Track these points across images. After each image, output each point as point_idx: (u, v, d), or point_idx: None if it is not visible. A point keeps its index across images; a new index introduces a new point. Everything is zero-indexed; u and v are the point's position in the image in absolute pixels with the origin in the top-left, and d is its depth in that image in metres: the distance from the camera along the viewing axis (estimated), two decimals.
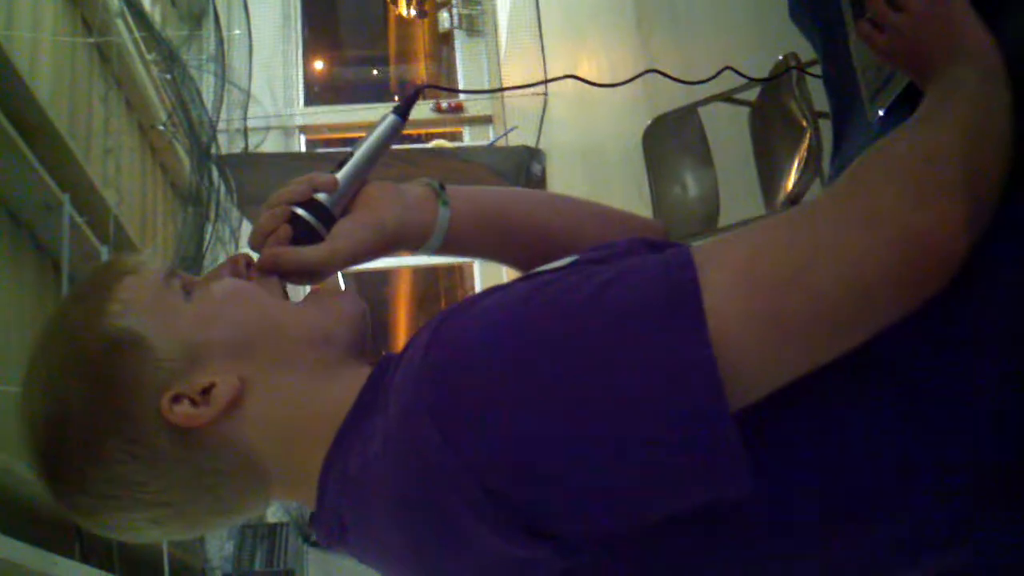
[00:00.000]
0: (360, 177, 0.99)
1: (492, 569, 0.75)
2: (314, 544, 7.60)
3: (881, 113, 1.09)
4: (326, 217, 0.95)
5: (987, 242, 0.77)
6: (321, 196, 0.96)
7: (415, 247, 0.99)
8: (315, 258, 0.93)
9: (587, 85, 1.43)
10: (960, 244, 0.74)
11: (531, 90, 8.22)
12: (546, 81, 1.21)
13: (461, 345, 0.74)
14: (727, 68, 1.70)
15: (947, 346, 0.81)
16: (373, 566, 0.87)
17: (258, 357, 0.86)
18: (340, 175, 0.98)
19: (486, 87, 10.69)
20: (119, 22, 6.20)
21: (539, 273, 0.82)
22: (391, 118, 1.03)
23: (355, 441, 0.81)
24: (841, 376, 0.77)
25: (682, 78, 1.57)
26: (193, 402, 0.83)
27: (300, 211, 0.95)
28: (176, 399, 0.83)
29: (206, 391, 0.84)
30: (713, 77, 1.68)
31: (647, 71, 1.51)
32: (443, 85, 12.28)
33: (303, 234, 0.94)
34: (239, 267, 0.93)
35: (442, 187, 0.99)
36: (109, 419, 0.83)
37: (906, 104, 1.03)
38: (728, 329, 0.70)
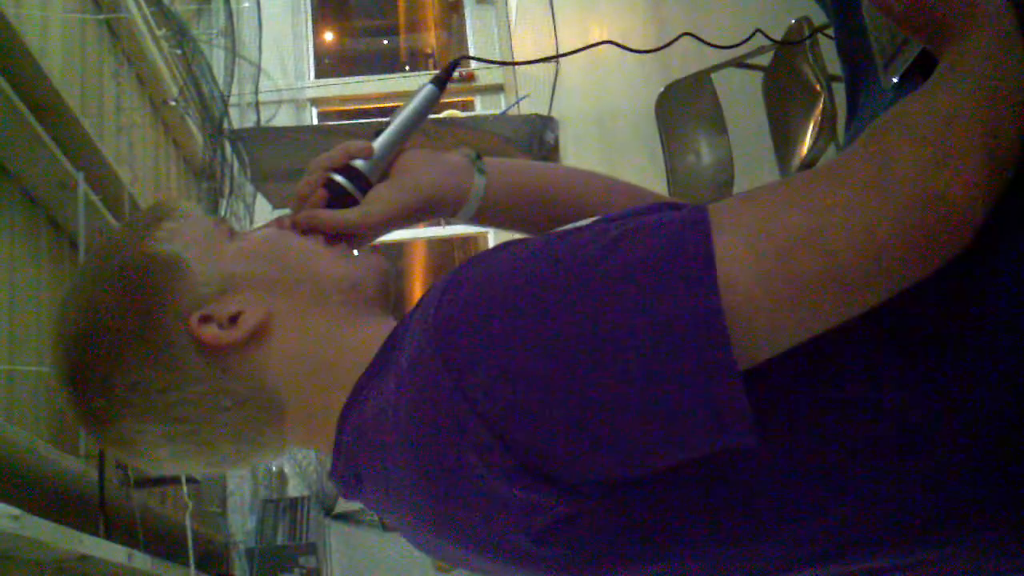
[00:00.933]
0: (397, 145, 1.01)
1: (498, 514, 0.76)
2: (335, 517, 7.66)
3: (895, 80, 1.08)
4: (362, 183, 0.98)
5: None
6: (358, 163, 0.98)
7: (450, 214, 1.02)
8: (350, 220, 0.96)
9: (597, 50, 1.42)
10: (978, 208, 0.73)
11: (541, 57, 8.18)
12: (588, 47, 1.21)
13: (473, 293, 0.75)
14: (757, 31, 1.68)
15: (957, 317, 0.81)
16: (387, 515, 0.89)
17: (289, 294, 0.90)
18: (376, 143, 1.00)
19: (496, 55, 10.63)
20: None
21: (557, 231, 0.83)
22: (429, 88, 1.04)
23: (373, 390, 0.83)
24: (850, 345, 0.78)
25: (694, 43, 1.55)
26: (220, 325, 0.87)
27: (336, 176, 0.98)
28: (205, 319, 0.87)
29: (234, 318, 0.88)
30: (745, 41, 1.67)
31: (682, 35, 1.50)
32: (454, 53, 12.21)
33: (339, 199, 0.97)
34: (282, 224, 0.98)
35: (479, 156, 1.01)
36: (138, 326, 0.87)
37: (920, 71, 1.02)
38: (739, 286, 0.70)
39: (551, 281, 0.73)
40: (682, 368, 0.70)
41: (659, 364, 0.70)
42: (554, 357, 0.71)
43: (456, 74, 1.09)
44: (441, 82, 1.05)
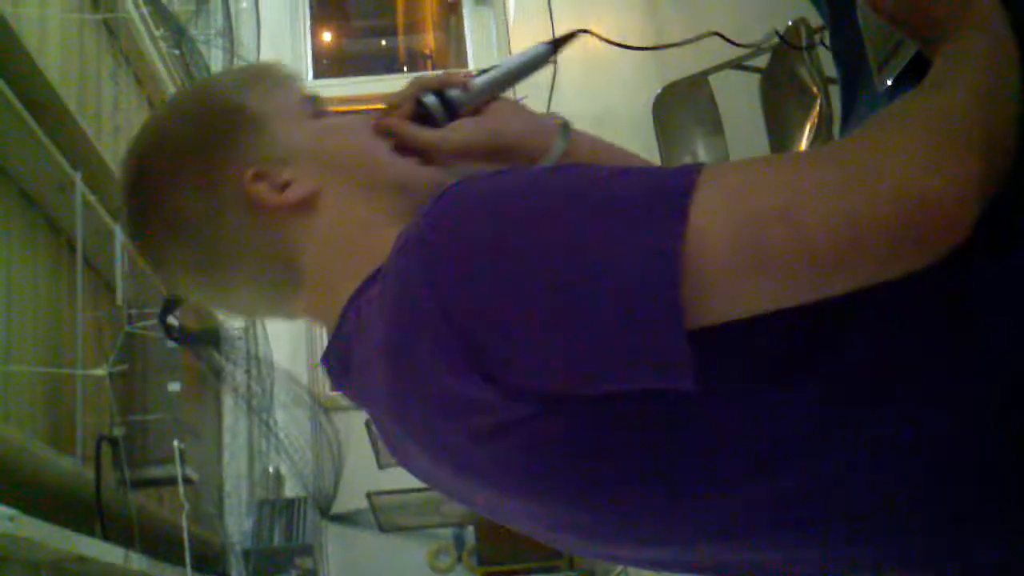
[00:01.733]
0: (494, 89, 1.05)
1: (442, 408, 0.80)
2: (332, 518, 7.66)
3: (889, 83, 1.08)
4: (451, 109, 1.02)
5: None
6: (453, 91, 1.02)
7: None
8: (426, 138, 1.01)
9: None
10: (970, 208, 0.74)
11: None
12: (694, 39, 1.21)
13: (461, 199, 0.80)
14: (775, 33, 1.69)
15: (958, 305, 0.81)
16: (364, 407, 0.94)
17: (343, 177, 0.96)
18: (476, 80, 1.04)
19: (495, 57, 10.63)
20: None
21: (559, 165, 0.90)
22: (543, 47, 1.08)
23: (378, 282, 0.89)
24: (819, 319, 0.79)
25: (692, 45, 1.56)
26: (272, 186, 0.95)
27: (428, 96, 1.02)
28: (260, 176, 0.94)
29: (286, 185, 0.95)
30: (765, 41, 1.67)
31: (708, 34, 1.51)
32: (453, 54, 12.20)
33: (425, 118, 1.01)
34: (368, 120, 1.03)
35: (568, 124, 1.05)
36: (198, 161, 0.95)
37: (914, 74, 1.02)
38: (707, 241, 0.73)
39: (533, 199, 0.78)
40: (632, 301, 0.73)
41: (612, 292, 0.73)
42: (520, 264, 0.75)
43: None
44: (556, 45, 1.07)
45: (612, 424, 0.78)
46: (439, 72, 1.07)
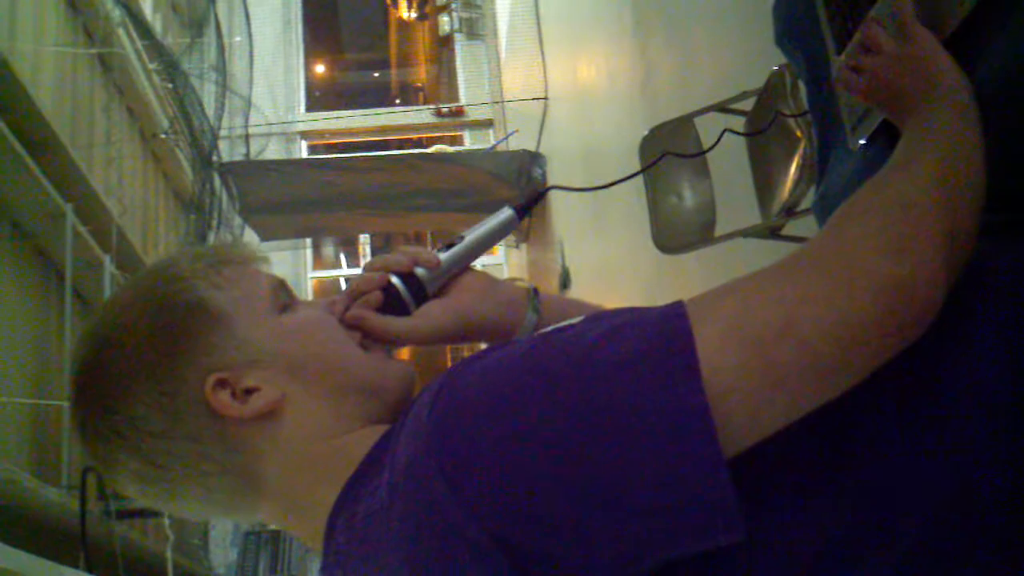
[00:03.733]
0: (463, 263, 1.01)
1: None
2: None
3: (862, 142, 1.11)
4: (419, 293, 0.98)
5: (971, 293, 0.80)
6: (420, 271, 0.98)
7: (491, 342, 1.00)
8: (396, 330, 0.96)
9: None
10: (939, 290, 0.77)
11: (531, 95, 8.24)
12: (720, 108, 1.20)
13: (465, 397, 0.76)
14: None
15: (932, 397, 0.82)
16: None
17: (309, 383, 0.90)
18: (444, 256, 1.00)
19: (486, 90, 10.69)
20: (121, 31, 6.22)
21: (542, 332, 0.85)
22: (508, 212, 1.04)
23: (363, 492, 0.84)
24: (829, 428, 0.79)
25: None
26: (234, 395, 0.87)
27: (396, 280, 0.98)
28: (221, 384, 0.87)
29: (249, 391, 0.87)
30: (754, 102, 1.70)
31: (664, 155, 1.53)
32: (445, 88, 12.27)
33: (393, 304, 0.97)
34: (334, 307, 0.97)
35: (536, 293, 1.02)
36: (157, 365, 0.87)
37: (886, 132, 1.06)
38: (721, 380, 0.73)
39: (539, 386, 0.74)
40: (672, 465, 0.71)
41: (649, 464, 0.71)
42: (547, 458, 0.72)
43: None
44: (522, 210, 1.05)
45: None
46: (405, 251, 1.02)
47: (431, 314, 0.98)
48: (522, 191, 7.59)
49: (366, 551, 0.83)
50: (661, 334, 0.75)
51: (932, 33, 0.94)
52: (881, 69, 0.97)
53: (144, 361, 0.88)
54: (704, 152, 2.14)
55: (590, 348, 0.75)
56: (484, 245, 1.03)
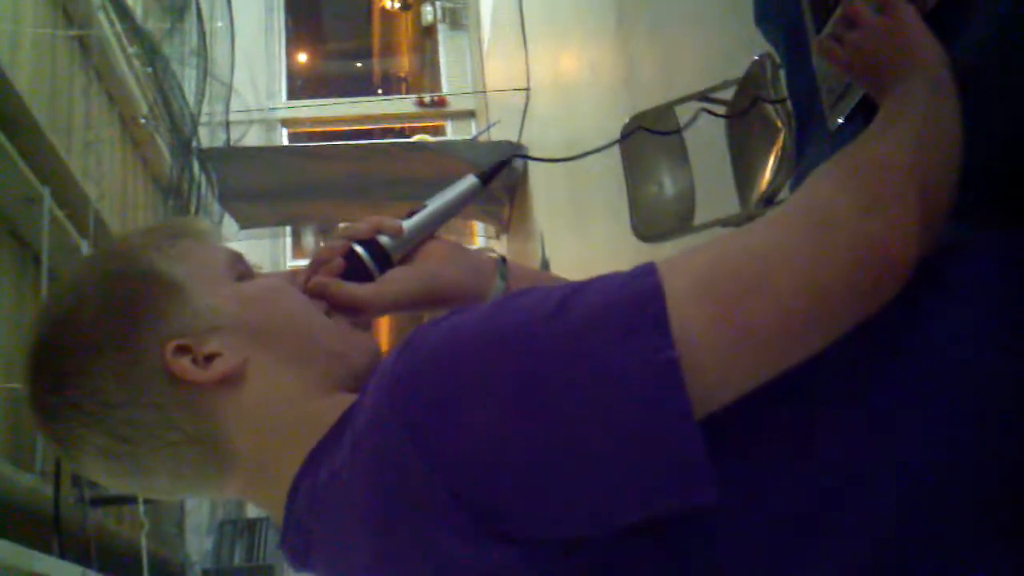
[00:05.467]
0: (427, 230, 1.00)
1: None
2: None
3: (841, 121, 1.11)
4: (383, 260, 0.97)
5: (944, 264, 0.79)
6: (384, 239, 0.97)
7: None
8: (360, 296, 0.95)
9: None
10: (911, 250, 0.76)
11: (514, 85, 8.24)
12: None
13: (428, 354, 0.75)
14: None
15: (909, 358, 0.81)
16: None
17: (271, 347, 0.89)
18: (407, 223, 0.99)
19: (469, 81, 10.68)
20: (101, 15, 6.18)
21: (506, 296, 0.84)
22: (472, 180, 1.03)
23: (326, 459, 0.82)
24: (806, 392, 0.78)
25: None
26: (195, 361, 0.86)
27: (358, 248, 0.97)
28: (181, 350, 0.86)
29: (210, 357, 0.86)
30: (751, 104, 1.70)
31: (637, 128, 1.53)
32: (428, 78, 12.24)
33: (356, 271, 0.96)
34: (296, 277, 0.96)
35: (504, 261, 1.01)
36: (114, 335, 0.86)
37: (864, 112, 1.06)
38: (691, 333, 0.71)
39: (504, 341, 0.73)
40: (641, 423, 0.70)
41: (617, 419, 0.70)
42: (511, 412, 0.71)
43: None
44: (486, 178, 1.04)
45: (642, 552, 0.75)
46: (368, 220, 1.00)
47: (395, 280, 0.97)
48: (503, 180, 7.58)
49: (325, 514, 0.81)
50: (630, 288, 0.74)
51: (913, 7, 0.94)
52: (863, 42, 0.96)
53: (101, 333, 0.86)
54: (680, 130, 2.15)
55: (557, 304, 0.74)
56: (448, 213, 1.02)
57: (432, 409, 0.72)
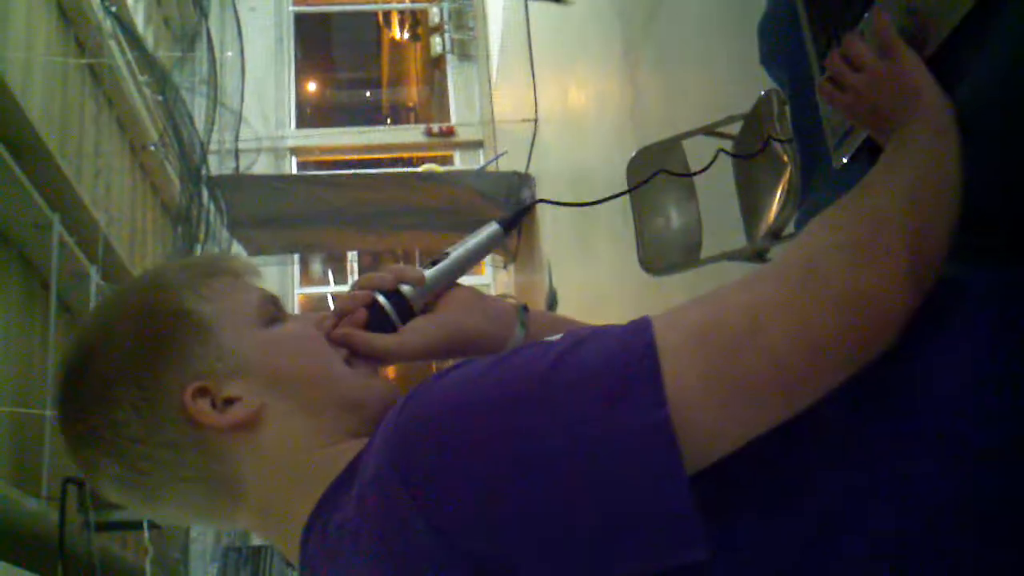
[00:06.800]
0: (449, 278, 1.01)
1: None
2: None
3: (845, 160, 1.12)
4: (405, 310, 0.98)
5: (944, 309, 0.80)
6: (405, 289, 0.98)
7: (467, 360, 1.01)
8: (383, 347, 0.96)
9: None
10: (904, 303, 0.77)
11: (521, 116, 8.27)
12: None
13: (428, 409, 0.76)
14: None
15: (901, 415, 0.82)
16: None
17: (291, 397, 0.90)
18: (429, 273, 0.99)
19: (477, 111, 10.73)
20: (112, 43, 6.23)
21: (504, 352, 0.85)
22: (494, 227, 1.04)
23: (337, 505, 0.84)
24: (793, 446, 0.79)
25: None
26: (213, 404, 0.88)
27: (381, 298, 0.97)
28: (201, 392, 0.88)
29: (229, 401, 0.88)
30: (764, 146, 1.72)
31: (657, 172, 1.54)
32: (436, 108, 12.30)
33: (379, 321, 0.97)
34: (322, 323, 0.97)
35: (525, 309, 1.02)
36: (139, 371, 0.88)
37: (869, 151, 1.07)
38: (685, 390, 0.72)
39: (503, 400, 0.74)
40: (632, 480, 0.71)
41: (609, 480, 0.71)
42: (508, 471, 0.72)
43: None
44: (508, 224, 1.04)
45: None
46: (390, 269, 1.00)
47: (417, 330, 0.98)
48: (511, 211, 7.58)
49: (336, 564, 0.83)
50: (624, 345, 0.75)
51: (915, 52, 0.96)
52: (864, 86, 0.98)
53: (126, 367, 0.88)
54: (699, 172, 2.15)
55: (554, 361, 0.75)
56: (470, 261, 1.02)
57: (431, 468, 0.73)
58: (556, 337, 0.81)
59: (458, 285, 1.02)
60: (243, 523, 0.93)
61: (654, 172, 1.37)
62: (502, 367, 0.78)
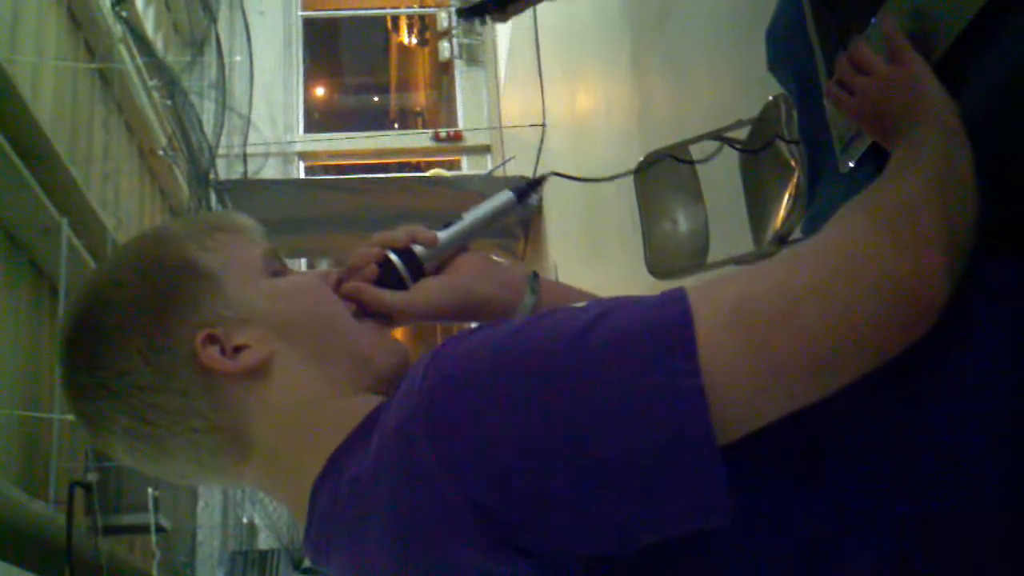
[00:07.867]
0: (461, 242, 1.01)
1: None
2: (304, 571, 7.60)
3: (852, 165, 1.12)
4: (416, 269, 0.98)
5: (967, 304, 0.80)
6: (418, 248, 0.98)
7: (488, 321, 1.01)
8: (391, 303, 0.97)
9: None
10: (941, 290, 0.77)
11: (529, 121, 8.28)
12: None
13: (460, 367, 0.76)
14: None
15: (926, 401, 0.83)
16: None
17: (300, 344, 0.90)
18: (442, 234, 1.00)
19: (485, 116, 10.74)
20: (121, 48, 6.25)
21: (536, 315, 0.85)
22: (508, 195, 1.04)
23: (350, 461, 0.83)
24: (824, 423, 0.79)
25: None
26: (223, 351, 0.87)
27: (393, 256, 0.98)
28: (211, 339, 0.88)
29: (239, 349, 0.88)
30: (767, 144, 1.72)
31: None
32: (444, 113, 12.31)
33: (390, 278, 0.97)
34: (329, 278, 0.98)
35: (536, 276, 1.02)
36: (147, 321, 0.88)
37: (876, 156, 1.07)
38: (718, 362, 0.72)
39: (532, 359, 0.74)
40: (663, 447, 0.71)
41: (640, 442, 0.71)
42: (535, 430, 0.72)
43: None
44: (522, 193, 1.05)
45: (654, 571, 0.76)
46: (404, 228, 1.00)
47: (427, 289, 0.98)
48: (517, 218, 7.60)
49: (350, 517, 0.82)
50: (659, 314, 0.75)
51: (922, 56, 0.96)
52: (872, 90, 0.98)
53: (134, 317, 0.88)
54: (702, 160, 2.17)
55: (586, 326, 0.75)
56: (482, 226, 1.03)
57: (458, 423, 0.73)
58: (582, 304, 0.81)
59: (469, 249, 1.02)
60: (250, 479, 0.93)
61: (663, 155, 1.33)
62: (531, 329, 0.77)
